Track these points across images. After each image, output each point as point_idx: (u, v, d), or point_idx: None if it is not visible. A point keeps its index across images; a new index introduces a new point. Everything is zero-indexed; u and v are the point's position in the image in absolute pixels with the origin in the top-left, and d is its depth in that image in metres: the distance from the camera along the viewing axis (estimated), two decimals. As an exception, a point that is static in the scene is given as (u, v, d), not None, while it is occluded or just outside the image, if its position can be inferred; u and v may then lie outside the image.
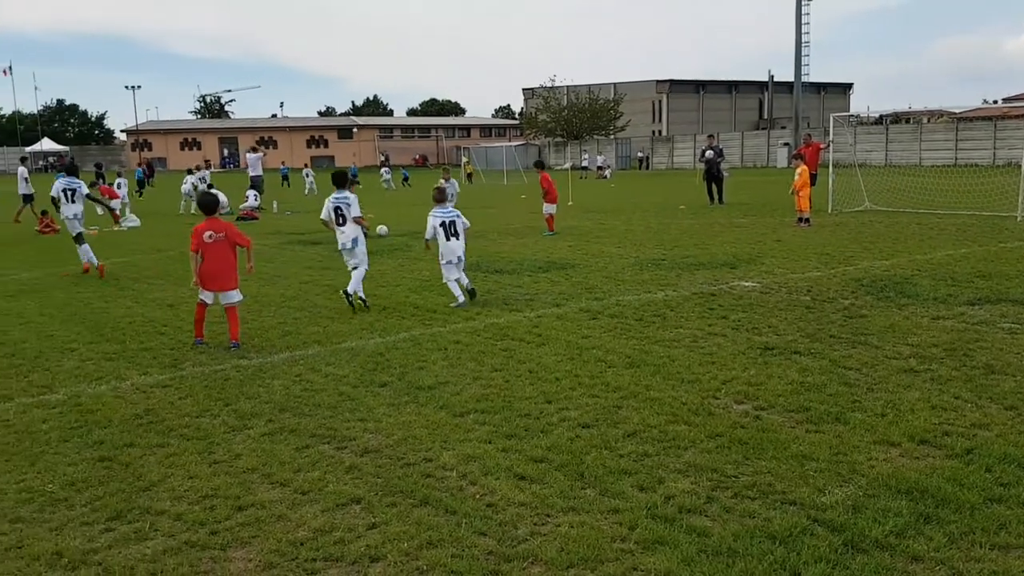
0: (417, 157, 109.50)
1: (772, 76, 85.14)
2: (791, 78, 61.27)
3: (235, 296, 8.40)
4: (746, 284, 11.12)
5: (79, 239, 13.89)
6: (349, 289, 10.00)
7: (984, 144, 53.33)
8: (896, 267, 12.17)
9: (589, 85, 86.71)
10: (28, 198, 25.28)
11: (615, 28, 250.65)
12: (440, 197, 10.57)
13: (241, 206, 27.91)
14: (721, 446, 5.28)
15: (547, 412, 6.04)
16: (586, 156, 68.39)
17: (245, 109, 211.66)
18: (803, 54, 58.43)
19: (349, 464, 5.18)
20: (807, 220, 18.25)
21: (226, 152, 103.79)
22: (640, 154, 77.48)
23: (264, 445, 5.56)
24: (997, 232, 16.23)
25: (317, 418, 6.08)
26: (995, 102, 79.64)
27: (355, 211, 10.14)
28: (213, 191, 29.28)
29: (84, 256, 13.78)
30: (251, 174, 29.54)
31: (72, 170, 15.14)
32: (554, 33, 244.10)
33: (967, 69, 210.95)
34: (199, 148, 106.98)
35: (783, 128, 71.89)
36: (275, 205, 30.94)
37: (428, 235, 10.39)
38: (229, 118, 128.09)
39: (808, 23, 59.20)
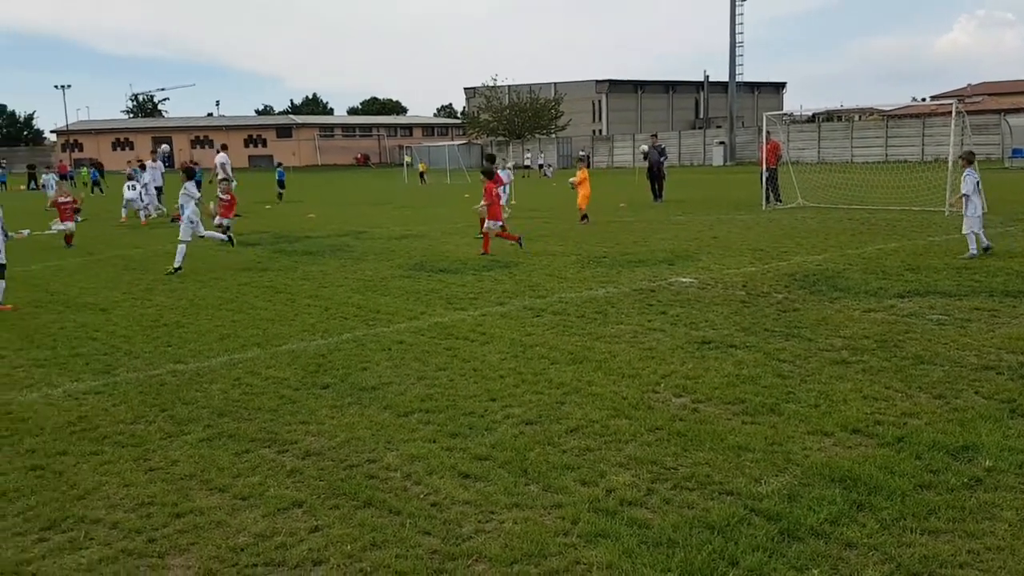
0: (359, 156, 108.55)
1: (707, 76, 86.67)
2: (726, 78, 62.44)
3: None
4: (684, 280, 11.30)
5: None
6: None
7: (913, 141, 55.22)
8: (828, 262, 12.50)
9: (530, 85, 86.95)
10: None
11: (555, 28, 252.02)
12: (970, 158, 13.12)
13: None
14: (660, 439, 5.36)
15: (491, 410, 6.06)
16: (528, 155, 68.64)
17: (179, 109, 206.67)
18: (737, 54, 59.82)
19: (291, 468, 5.11)
20: (585, 217, 19.74)
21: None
22: (582, 153, 78.03)
23: (202, 451, 5.45)
24: (926, 227, 16.76)
25: (257, 422, 5.98)
26: (923, 100, 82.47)
27: None
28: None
29: None
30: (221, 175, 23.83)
31: None
32: (494, 32, 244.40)
33: (897, 68, 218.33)
34: (132, 148, 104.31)
35: (719, 127, 73.23)
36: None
37: (968, 190, 12.66)
38: (163, 117, 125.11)
39: (742, 23, 60.80)
